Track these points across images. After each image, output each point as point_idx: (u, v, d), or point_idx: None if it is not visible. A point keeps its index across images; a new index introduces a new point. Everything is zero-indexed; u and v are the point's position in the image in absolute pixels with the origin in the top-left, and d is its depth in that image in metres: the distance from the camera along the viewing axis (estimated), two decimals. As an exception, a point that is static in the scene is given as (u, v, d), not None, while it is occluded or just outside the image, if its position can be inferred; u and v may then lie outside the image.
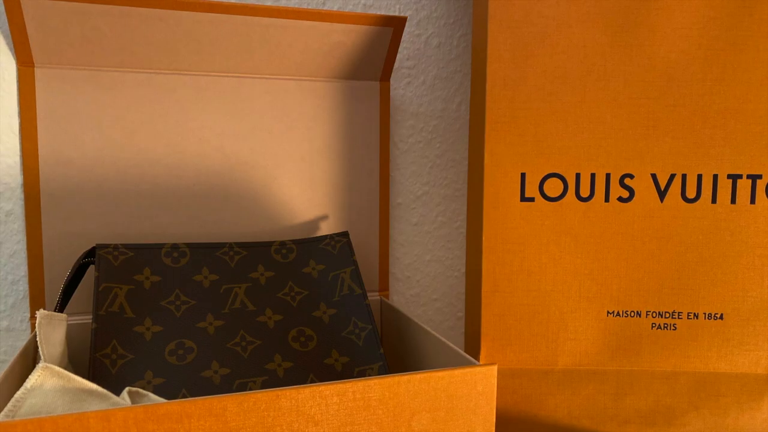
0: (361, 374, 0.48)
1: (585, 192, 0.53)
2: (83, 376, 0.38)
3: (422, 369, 0.45)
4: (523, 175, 0.53)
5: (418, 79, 0.69)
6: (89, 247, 0.53)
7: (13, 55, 0.55)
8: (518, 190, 0.53)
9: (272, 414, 0.35)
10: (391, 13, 0.67)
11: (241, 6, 0.53)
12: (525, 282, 0.54)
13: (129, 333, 0.46)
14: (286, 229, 0.61)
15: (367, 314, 0.52)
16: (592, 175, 0.53)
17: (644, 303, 0.53)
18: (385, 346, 0.61)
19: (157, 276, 0.50)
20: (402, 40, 0.66)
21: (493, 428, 0.40)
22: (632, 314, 0.53)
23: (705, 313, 0.53)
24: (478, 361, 0.49)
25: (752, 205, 0.52)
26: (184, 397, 0.44)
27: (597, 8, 0.51)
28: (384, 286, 0.65)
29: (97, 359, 0.44)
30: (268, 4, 0.61)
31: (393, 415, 0.38)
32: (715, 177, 0.52)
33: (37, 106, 0.53)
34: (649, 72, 0.52)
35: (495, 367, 0.40)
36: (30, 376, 0.35)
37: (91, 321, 0.46)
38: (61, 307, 0.49)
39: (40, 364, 0.36)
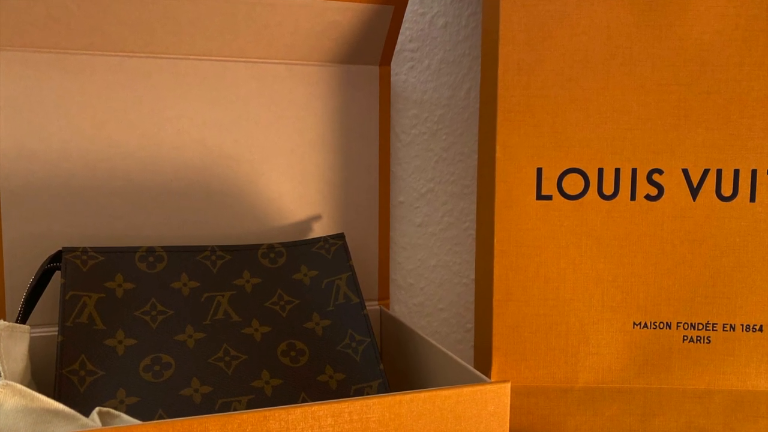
0: (359, 393, 0.48)
1: (608, 189, 0.53)
2: (48, 395, 0.38)
3: (427, 387, 0.45)
4: (539, 171, 0.53)
5: (422, 63, 0.69)
6: (55, 250, 0.52)
7: (-31, 36, 0.55)
8: (534, 187, 0.53)
9: (259, 437, 0.35)
10: (392, -10, 0.66)
11: (225, -19, 0.53)
12: (541, 290, 0.54)
13: (99, 347, 0.46)
14: (274, 231, 0.61)
15: (365, 326, 0.52)
16: (617, 171, 0.53)
17: (675, 313, 0.53)
18: (386, 361, 0.61)
19: (130, 283, 0.50)
20: (404, 19, 0.66)
21: (506, 453, 0.40)
22: (661, 326, 0.53)
23: (742, 325, 0.53)
24: (489, 378, 0.49)
25: (795, 204, 0.52)
26: (161, 418, 0.44)
27: (622, -16, 0.52)
28: (384, 295, 0.65)
29: (64, 376, 0.44)
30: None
31: (394, 439, 0.38)
32: (754, 172, 0.52)
33: (-4, 93, 0.53)
34: (680, 55, 0.52)
35: (508, 385, 0.40)
36: (-12, 395, 0.35)
37: (57, 333, 0.46)
38: (23, 318, 0.49)
39: (0, 382, 0.36)
